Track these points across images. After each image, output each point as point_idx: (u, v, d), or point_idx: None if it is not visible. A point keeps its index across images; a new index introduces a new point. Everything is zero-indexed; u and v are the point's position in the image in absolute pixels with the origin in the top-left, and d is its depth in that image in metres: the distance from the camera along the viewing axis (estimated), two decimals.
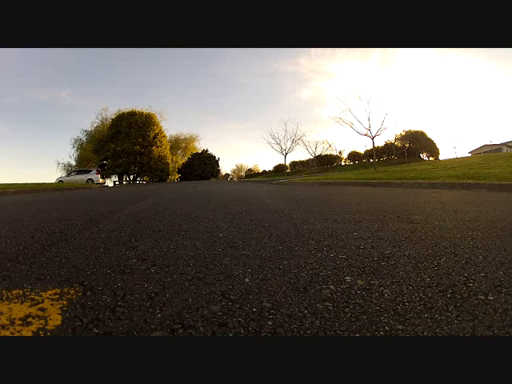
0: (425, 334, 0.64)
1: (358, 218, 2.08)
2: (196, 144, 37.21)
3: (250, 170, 49.80)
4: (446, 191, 4.53)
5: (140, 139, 23.73)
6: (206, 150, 30.97)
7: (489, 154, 22.44)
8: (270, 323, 0.68)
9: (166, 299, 0.81)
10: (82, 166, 28.45)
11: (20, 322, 0.69)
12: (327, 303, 0.78)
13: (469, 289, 0.85)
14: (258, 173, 46.18)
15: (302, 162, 37.59)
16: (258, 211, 2.53)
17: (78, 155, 30.88)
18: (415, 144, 30.21)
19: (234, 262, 1.13)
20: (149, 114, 25.63)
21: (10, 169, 45.23)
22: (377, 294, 0.83)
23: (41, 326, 0.68)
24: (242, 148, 72.28)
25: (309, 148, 30.04)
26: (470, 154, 33.05)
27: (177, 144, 36.12)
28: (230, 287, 0.89)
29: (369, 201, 3.24)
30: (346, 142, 74.38)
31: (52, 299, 0.81)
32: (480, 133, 70.86)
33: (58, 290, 0.87)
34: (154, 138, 24.88)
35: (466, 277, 0.94)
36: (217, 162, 31.28)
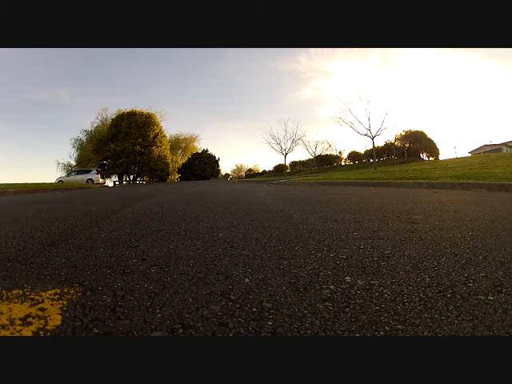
0: (425, 333, 0.64)
1: (357, 217, 2.08)
2: (196, 144, 37.22)
3: (249, 169, 49.73)
4: (446, 191, 4.53)
5: (140, 139, 23.70)
6: (206, 150, 30.95)
7: (489, 153, 22.43)
8: (269, 323, 0.68)
9: (166, 299, 0.81)
10: (81, 166, 28.41)
11: (20, 322, 0.69)
12: (327, 303, 0.78)
13: (469, 289, 0.85)
14: (258, 173, 46.13)
15: (302, 162, 37.56)
16: (258, 211, 2.53)
17: (78, 155, 30.84)
18: (415, 144, 30.18)
19: (234, 261, 1.13)
20: (149, 113, 25.59)
21: (10, 169, 45.23)
22: (377, 294, 0.83)
23: (41, 325, 0.68)
24: (242, 148, 72.17)
25: (309, 148, 30.09)
26: (469, 154, 33.04)
27: (177, 144, 36.10)
28: (230, 287, 0.89)
29: (369, 201, 3.24)
30: (346, 142, 74.24)
31: (52, 299, 0.81)
32: (480, 133, 70.88)
33: (58, 290, 0.87)
34: (154, 138, 24.85)
35: (465, 277, 0.94)
36: (217, 162, 31.25)
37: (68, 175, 20.48)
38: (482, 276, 0.94)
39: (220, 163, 31.47)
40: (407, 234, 1.53)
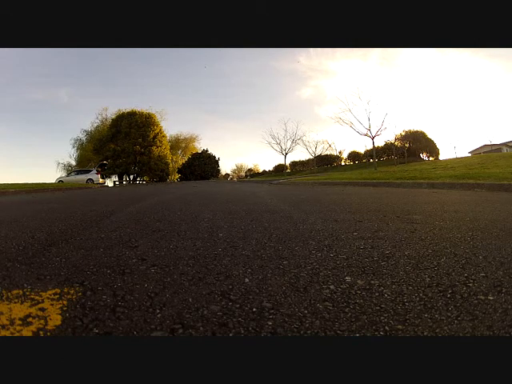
0: (425, 333, 0.64)
1: (358, 217, 2.08)
2: (196, 144, 37.17)
3: (249, 169, 49.73)
4: (446, 191, 4.53)
5: (140, 139, 23.68)
6: (206, 150, 30.94)
7: (489, 153, 22.40)
8: (270, 323, 0.68)
9: (166, 299, 0.81)
10: (82, 165, 28.38)
11: (20, 322, 0.69)
12: (327, 303, 0.78)
13: (469, 289, 0.85)
14: (258, 173, 46.12)
15: (302, 162, 37.52)
16: (258, 211, 2.53)
17: (78, 155, 30.80)
18: (415, 144, 30.14)
19: (234, 261, 1.13)
20: (149, 114, 25.56)
21: (10, 169, 45.18)
22: (377, 294, 0.83)
23: (41, 325, 0.68)
24: (242, 148, 72.17)
25: (309, 148, 30.03)
26: (469, 154, 33.01)
27: (177, 144, 36.06)
28: (230, 287, 0.89)
29: (369, 201, 3.24)
30: (346, 142, 74.19)
31: (52, 299, 0.81)
32: (480, 133, 70.83)
33: (58, 290, 0.87)
34: (154, 138, 24.82)
35: (465, 277, 0.94)
36: (217, 162, 31.24)
37: (68, 175, 20.50)
38: (482, 276, 0.94)
39: (220, 163, 31.48)
40: (407, 234, 1.53)
